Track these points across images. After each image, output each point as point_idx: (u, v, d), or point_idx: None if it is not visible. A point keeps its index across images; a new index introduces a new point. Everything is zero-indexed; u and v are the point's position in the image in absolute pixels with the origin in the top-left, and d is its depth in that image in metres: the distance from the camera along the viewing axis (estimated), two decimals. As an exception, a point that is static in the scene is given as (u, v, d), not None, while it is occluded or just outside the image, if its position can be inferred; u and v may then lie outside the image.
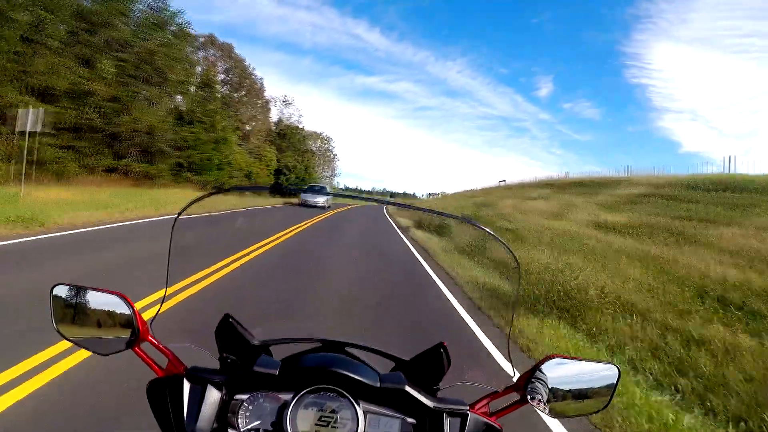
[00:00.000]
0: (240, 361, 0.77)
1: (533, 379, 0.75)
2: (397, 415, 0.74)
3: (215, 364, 0.80)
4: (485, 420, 0.76)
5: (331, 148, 42.10)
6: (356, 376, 0.72)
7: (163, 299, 0.93)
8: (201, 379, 0.74)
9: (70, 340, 0.80)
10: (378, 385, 0.73)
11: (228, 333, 0.79)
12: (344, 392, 0.71)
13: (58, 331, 0.80)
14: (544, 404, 0.75)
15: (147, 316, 0.80)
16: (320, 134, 41.06)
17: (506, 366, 3.63)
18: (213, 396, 0.73)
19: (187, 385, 0.73)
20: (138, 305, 0.77)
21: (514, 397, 0.78)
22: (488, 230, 0.86)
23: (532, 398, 0.75)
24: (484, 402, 0.79)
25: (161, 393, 0.74)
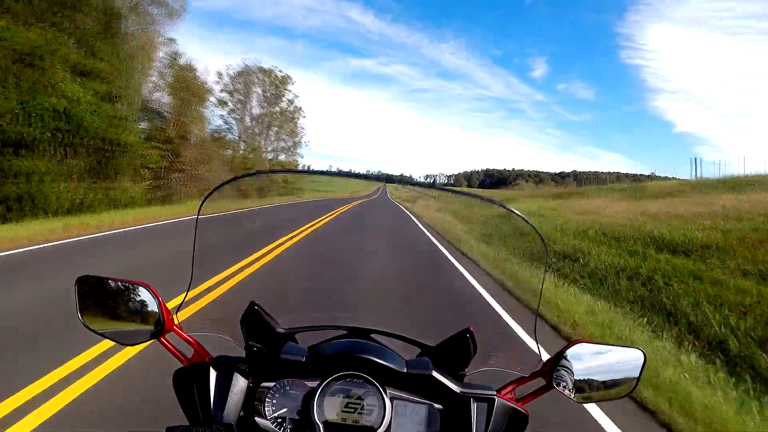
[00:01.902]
0: (266, 349, 0.77)
1: (559, 364, 0.75)
2: (424, 401, 0.73)
3: (241, 353, 0.80)
4: (512, 405, 0.76)
5: (297, 117, 35.91)
6: (383, 362, 0.72)
7: (189, 287, 0.91)
8: (227, 367, 0.74)
9: (95, 332, 0.79)
10: (405, 370, 0.73)
11: (254, 321, 0.78)
12: (371, 378, 0.71)
13: (83, 323, 0.79)
14: (570, 389, 0.75)
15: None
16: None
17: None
18: (239, 384, 0.73)
19: (213, 374, 0.73)
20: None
21: (541, 382, 0.77)
22: (518, 213, 0.84)
23: (558, 384, 0.75)
24: (511, 387, 0.79)
25: (188, 382, 0.74)
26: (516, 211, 0.84)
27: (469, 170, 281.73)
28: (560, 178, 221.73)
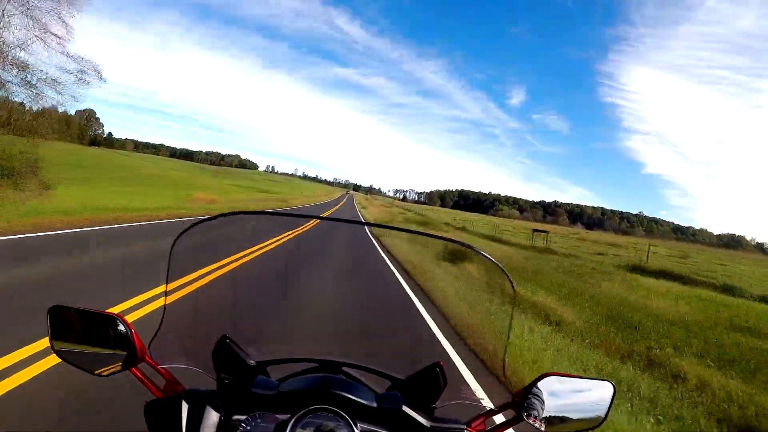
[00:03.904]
0: (237, 382, 0.77)
1: (529, 396, 0.76)
2: None
3: (212, 385, 0.79)
4: None
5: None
6: (353, 397, 0.72)
7: (162, 318, 0.88)
8: (199, 400, 0.73)
9: (67, 361, 0.79)
10: (375, 405, 0.73)
11: (225, 354, 0.78)
12: (341, 413, 0.71)
13: (55, 351, 0.79)
14: (540, 421, 0.76)
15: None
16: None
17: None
18: (211, 417, 0.72)
19: (185, 407, 0.72)
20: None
21: (511, 414, 0.78)
22: (485, 255, 0.88)
23: (528, 415, 0.76)
24: (481, 420, 0.80)
25: (160, 414, 0.73)
26: (484, 254, 0.88)
27: (442, 189, 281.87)
28: (540, 207, 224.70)
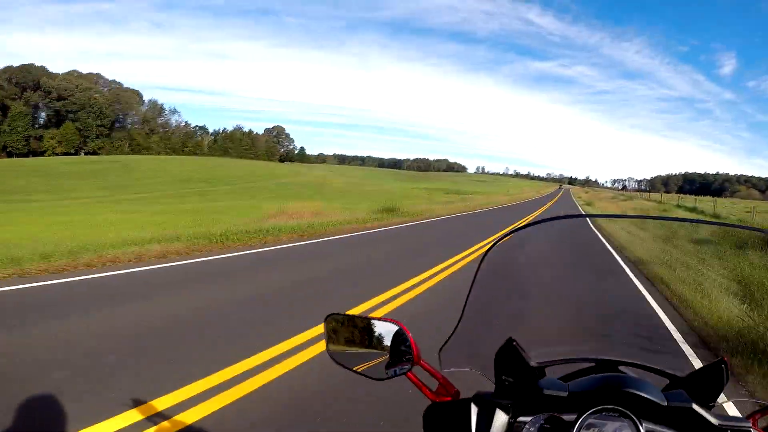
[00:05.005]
0: (520, 384, 0.79)
1: None
2: None
3: (486, 387, 0.83)
4: None
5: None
6: (646, 395, 0.70)
7: (455, 329, 0.99)
8: (490, 402, 0.76)
9: (343, 365, 0.86)
10: (665, 404, 0.70)
11: (509, 356, 0.80)
12: (628, 412, 0.69)
13: (331, 356, 0.88)
14: None
15: None
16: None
17: None
18: (500, 419, 0.75)
19: (474, 409, 0.76)
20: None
21: None
22: None
23: None
24: (757, 417, 0.74)
25: (443, 417, 0.78)
26: None
27: (663, 174, 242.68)
28: None
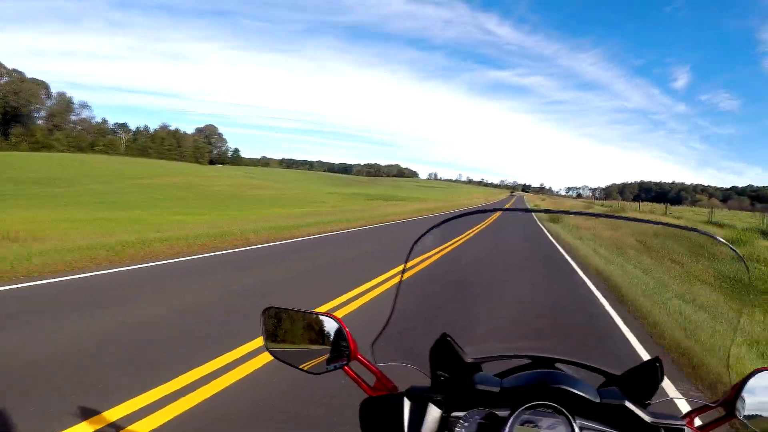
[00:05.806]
0: (455, 379, 0.79)
1: (743, 393, 0.70)
2: (612, 431, 0.72)
3: (423, 382, 0.82)
4: None
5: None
6: (577, 392, 0.71)
7: (387, 321, 0.94)
8: (422, 397, 0.75)
9: (280, 360, 0.84)
10: (598, 400, 0.72)
11: (444, 351, 0.80)
12: (561, 408, 0.70)
13: (269, 350, 0.85)
14: (754, 420, 0.70)
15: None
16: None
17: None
18: (433, 414, 0.74)
19: (407, 404, 0.75)
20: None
21: (722, 411, 0.73)
22: (716, 236, 0.82)
23: (741, 413, 0.70)
24: (693, 416, 0.76)
25: (378, 411, 0.76)
26: (715, 235, 0.81)
27: (619, 182, 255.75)
28: (735, 194, 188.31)
